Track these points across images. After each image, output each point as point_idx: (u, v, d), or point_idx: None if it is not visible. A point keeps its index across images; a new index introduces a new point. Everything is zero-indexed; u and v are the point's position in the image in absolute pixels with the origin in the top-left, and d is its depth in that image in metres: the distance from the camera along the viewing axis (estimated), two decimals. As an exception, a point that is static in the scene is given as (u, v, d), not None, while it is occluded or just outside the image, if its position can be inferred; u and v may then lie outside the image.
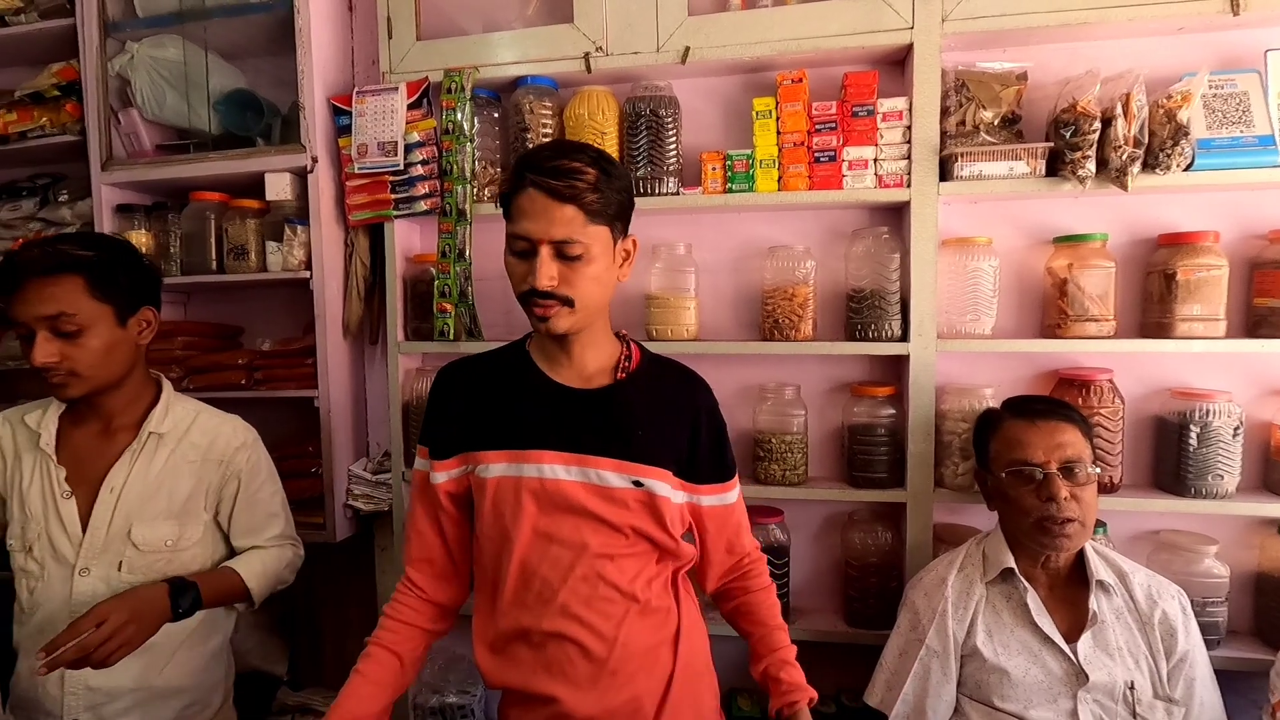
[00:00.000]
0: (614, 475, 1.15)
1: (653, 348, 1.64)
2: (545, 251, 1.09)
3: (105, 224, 1.99)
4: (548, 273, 1.09)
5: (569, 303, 1.11)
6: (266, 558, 1.47)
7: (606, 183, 1.10)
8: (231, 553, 1.50)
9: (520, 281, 1.12)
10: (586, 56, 1.72)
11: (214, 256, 1.95)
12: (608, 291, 1.16)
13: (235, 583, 1.40)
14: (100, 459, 1.37)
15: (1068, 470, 1.32)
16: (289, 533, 1.55)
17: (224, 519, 1.47)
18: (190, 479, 1.41)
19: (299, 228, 1.87)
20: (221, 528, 1.48)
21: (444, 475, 1.22)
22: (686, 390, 1.27)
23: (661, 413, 1.22)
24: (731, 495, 1.28)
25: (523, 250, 1.11)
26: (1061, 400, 1.48)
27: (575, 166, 1.08)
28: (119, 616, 1.22)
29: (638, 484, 1.16)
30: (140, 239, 1.98)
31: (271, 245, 1.90)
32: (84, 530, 1.33)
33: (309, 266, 1.87)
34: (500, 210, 1.17)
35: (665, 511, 1.17)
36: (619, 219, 1.15)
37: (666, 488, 1.18)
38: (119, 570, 1.34)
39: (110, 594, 1.31)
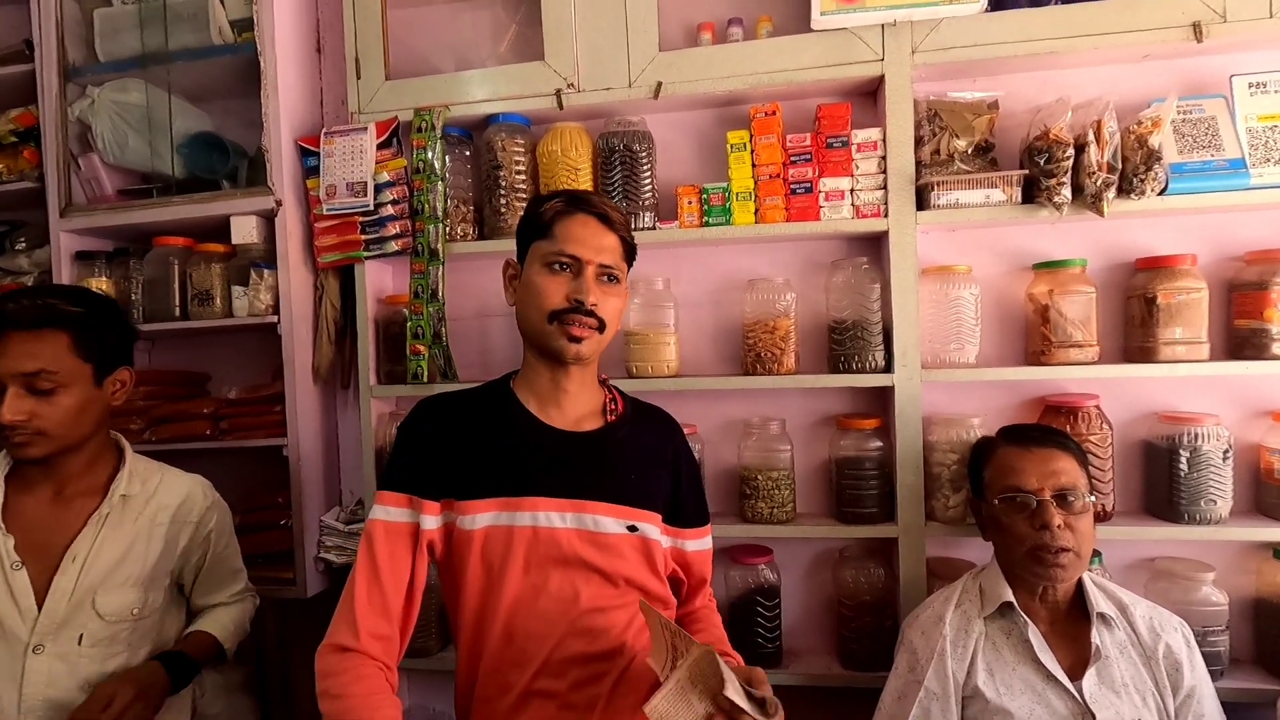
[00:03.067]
0: (610, 521, 1.12)
1: (633, 385, 1.62)
2: (591, 272, 1.14)
3: (64, 271, 1.93)
4: (597, 294, 1.11)
5: (602, 327, 1.14)
6: (234, 613, 1.45)
7: (629, 230, 1.21)
8: (187, 612, 1.44)
9: (558, 299, 1.12)
10: (558, 93, 1.71)
11: (178, 303, 1.89)
12: (618, 329, 1.20)
13: (211, 643, 1.38)
14: (56, 527, 1.29)
15: (1061, 498, 1.28)
16: (248, 584, 1.53)
17: (186, 580, 1.41)
18: (159, 542, 1.35)
19: (266, 271, 1.82)
20: (180, 588, 1.42)
21: (434, 521, 1.13)
22: (666, 434, 1.27)
23: (647, 457, 1.21)
24: (709, 540, 1.29)
25: (563, 269, 1.14)
26: (1057, 428, 1.45)
27: (615, 205, 1.19)
28: (126, 693, 1.17)
29: (632, 529, 1.14)
30: (101, 286, 1.92)
31: (237, 290, 1.84)
32: (39, 604, 1.24)
33: (276, 310, 1.82)
34: (508, 237, 1.28)
35: (657, 556, 1.16)
36: (631, 265, 1.24)
37: (656, 531, 1.17)
38: (79, 644, 1.24)
39: (69, 672, 1.23)
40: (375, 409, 1.82)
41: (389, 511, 1.13)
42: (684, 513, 1.24)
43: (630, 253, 1.21)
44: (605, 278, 1.15)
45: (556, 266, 1.13)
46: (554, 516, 1.11)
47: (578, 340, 1.12)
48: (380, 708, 1.03)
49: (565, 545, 1.10)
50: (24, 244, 2.07)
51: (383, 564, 1.10)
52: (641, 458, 1.19)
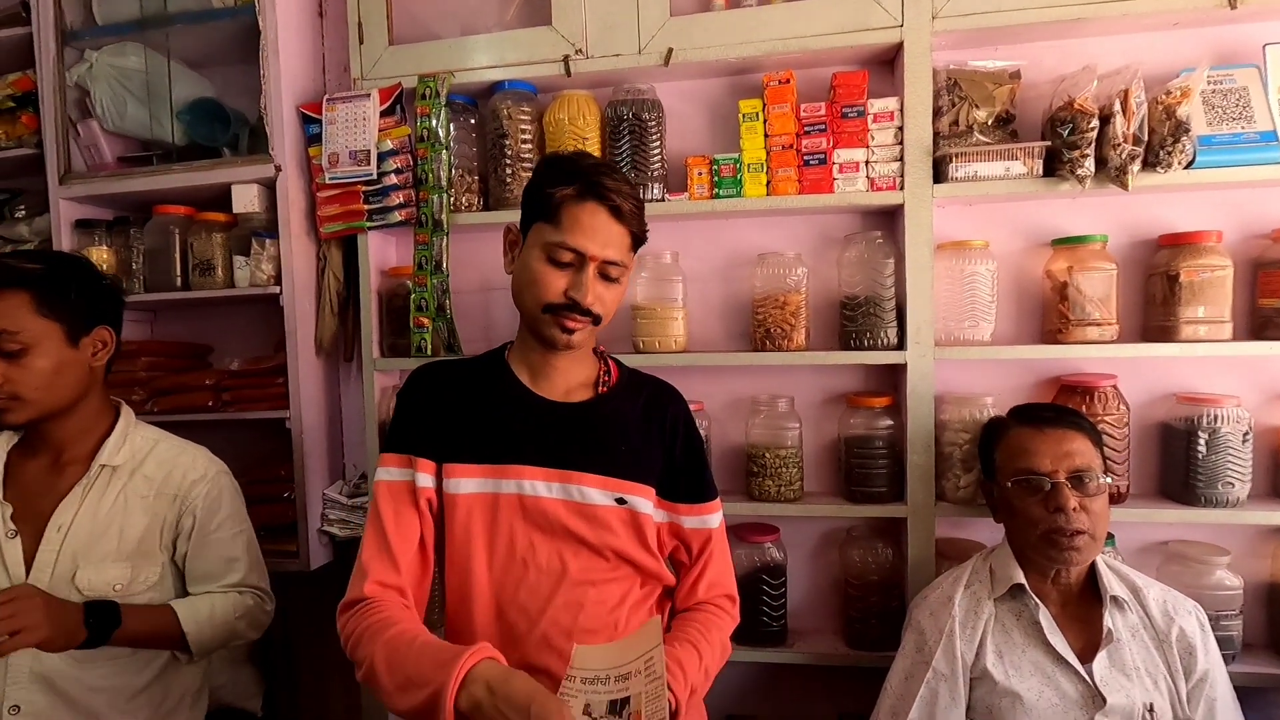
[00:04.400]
0: (596, 492, 1.11)
1: (640, 360, 1.59)
2: (593, 269, 1.09)
3: (64, 240, 1.90)
4: (596, 291, 1.09)
5: (597, 321, 1.12)
6: (215, 601, 1.33)
7: (641, 221, 1.14)
8: None
9: (555, 292, 1.09)
10: (566, 59, 1.66)
11: (179, 272, 1.87)
12: (614, 312, 1.17)
13: (169, 621, 1.26)
14: (49, 494, 1.27)
15: (1077, 480, 1.26)
16: (254, 582, 1.40)
17: (180, 561, 1.36)
18: (144, 515, 1.30)
19: (268, 241, 1.79)
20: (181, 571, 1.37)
21: (427, 479, 1.13)
22: (662, 404, 1.23)
23: (641, 428, 1.18)
24: (713, 519, 1.23)
25: (565, 262, 1.09)
26: (1069, 407, 1.42)
27: (630, 189, 1.11)
28: (27, 594, 1.10)
29: (620, 501, 1.12)
30: (101, 255, 1.89)
31: (239, 260, 1.82)
32: (27, 574, 1.22)
33: (279, 281, 1.79)
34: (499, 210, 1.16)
35: (648, 530, 1.14)
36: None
37: (648, 505, 1.15)
38: None
39: None
40: (378, 382, 1.80)
41: (389, 472, 1.14)
42: (681, 487, 1.20)
43: (639, 237, 1.15)
44: (607, 274, 1.11)
45: (558, 258, 1.10)
46: (539, 485, 1.10)
47: (570, 332, 1.10)
48: (407, 619, 1.04)
49: (552, 514, 1.09)
50: (23, 211, 2.04)
51: (388, 522, 1.11)
52: (633, 429, 1.17)
